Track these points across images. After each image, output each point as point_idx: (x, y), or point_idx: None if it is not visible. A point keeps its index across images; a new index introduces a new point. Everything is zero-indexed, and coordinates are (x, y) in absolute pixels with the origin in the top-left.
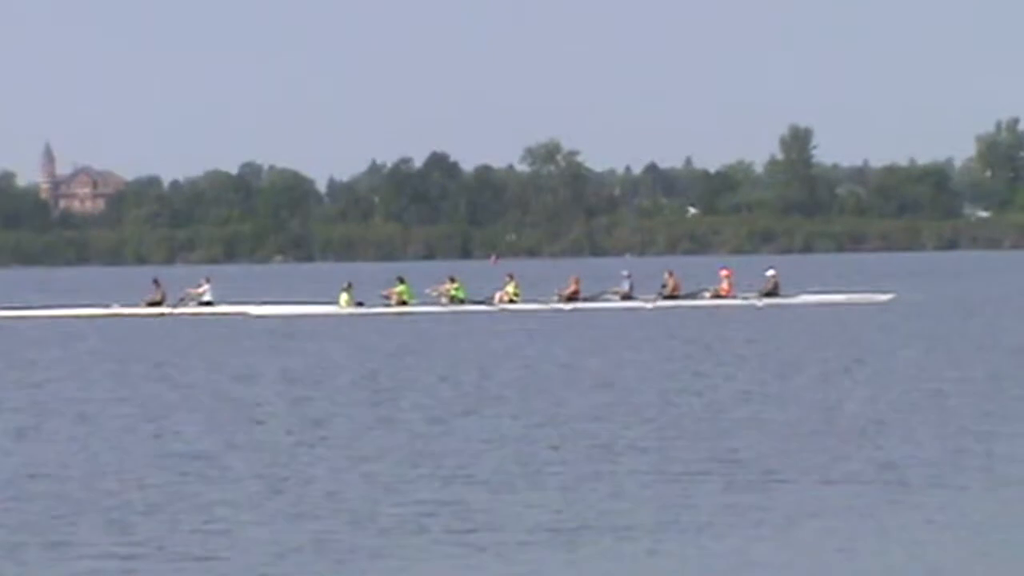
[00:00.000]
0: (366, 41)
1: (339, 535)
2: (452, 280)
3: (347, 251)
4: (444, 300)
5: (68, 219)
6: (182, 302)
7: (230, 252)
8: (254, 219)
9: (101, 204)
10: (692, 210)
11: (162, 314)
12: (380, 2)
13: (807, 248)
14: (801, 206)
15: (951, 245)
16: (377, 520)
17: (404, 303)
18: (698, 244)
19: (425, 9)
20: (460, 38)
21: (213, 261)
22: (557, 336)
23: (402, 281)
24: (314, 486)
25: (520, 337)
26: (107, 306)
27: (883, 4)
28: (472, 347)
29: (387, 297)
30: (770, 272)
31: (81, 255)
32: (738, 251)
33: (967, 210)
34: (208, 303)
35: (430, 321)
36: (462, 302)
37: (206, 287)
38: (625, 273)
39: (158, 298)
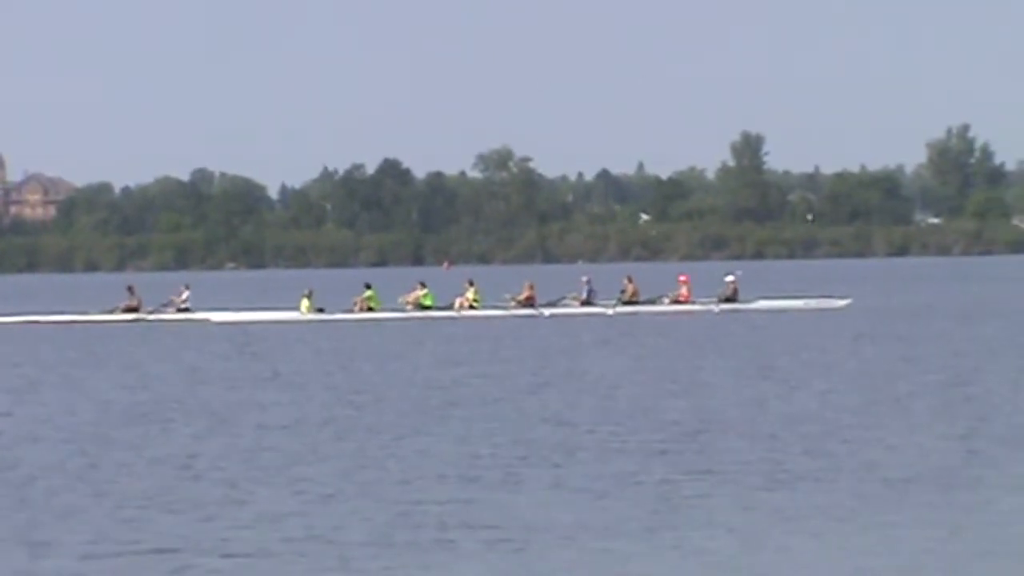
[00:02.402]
0: (318, 47)
1: (324, 537)
2: (423, 285)
3: (299, 258)
4: (409, 307)
5: (19, 226)
6: (163, 308)
7: (181, 259)
8: (205, 226)
9: (52, 211)
10: (644, 216)
11: (135, 320)
12: (331, 8)
13: (758, 254)
14: (752, 212)
15: (902, 251)
16: (363, 521)
17: (371, 309)
18: (650, 251)
19: (377, 15)
20: (412, 44)
21: (164, 268)
22: (523, 341)
23: (369, 287)
24: (314, 484)
25: (486, 343)
26: (84, 312)
27: (832, 11)
28: (442, 352)
29: (356, 304)
30: (729, 278)
31: (31, 262)
32: (690, 257)
33: (918, 216)
34: (186, 309)
35: (395, 327)
36: (426, 308)
37: (186, 294)
38: (585, 279)
39: (134, 304)
